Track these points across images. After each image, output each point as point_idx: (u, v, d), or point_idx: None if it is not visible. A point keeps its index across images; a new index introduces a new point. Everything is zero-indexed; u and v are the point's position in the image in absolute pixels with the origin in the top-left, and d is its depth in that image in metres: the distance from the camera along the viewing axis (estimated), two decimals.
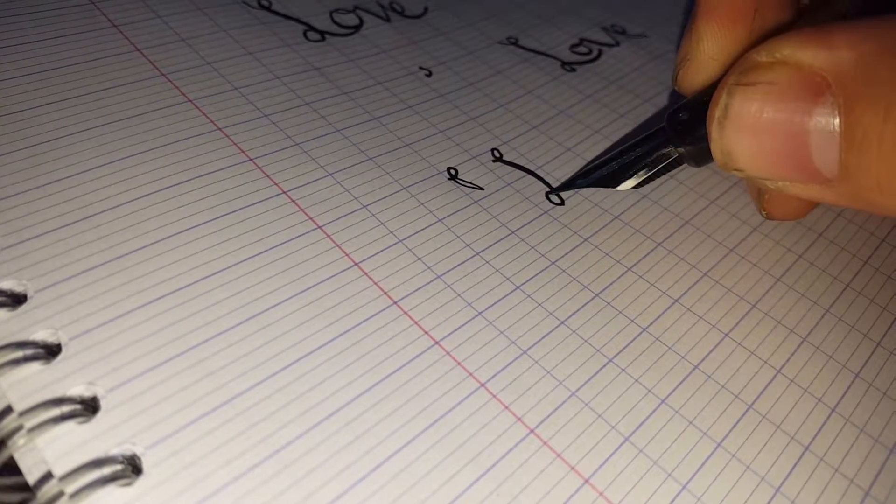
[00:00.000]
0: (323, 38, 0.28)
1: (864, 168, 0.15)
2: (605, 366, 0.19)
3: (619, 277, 0.22)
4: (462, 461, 0.16)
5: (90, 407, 0.16)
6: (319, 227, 0.21)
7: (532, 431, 0.17)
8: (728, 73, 0.18)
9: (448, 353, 0.19)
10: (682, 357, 0.20)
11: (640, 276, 0.22)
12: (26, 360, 0.16)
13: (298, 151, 0.23)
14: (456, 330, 0.19)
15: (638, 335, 0.20)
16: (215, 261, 0.19)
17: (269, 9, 0.29)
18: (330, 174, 0.22)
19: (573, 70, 0.31)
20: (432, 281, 0.20)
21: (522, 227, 0.23)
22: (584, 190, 0.24)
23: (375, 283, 0.20)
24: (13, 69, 0.22)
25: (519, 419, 0.18)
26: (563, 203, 0.24)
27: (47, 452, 0.15)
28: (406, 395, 0.17)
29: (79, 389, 0.16)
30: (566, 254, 0.22)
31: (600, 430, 0.18)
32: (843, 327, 0.22)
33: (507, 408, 0.18)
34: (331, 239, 0.20)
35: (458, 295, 0.20)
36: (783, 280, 0.23)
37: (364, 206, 0.22)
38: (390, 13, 0.31)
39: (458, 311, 0.20)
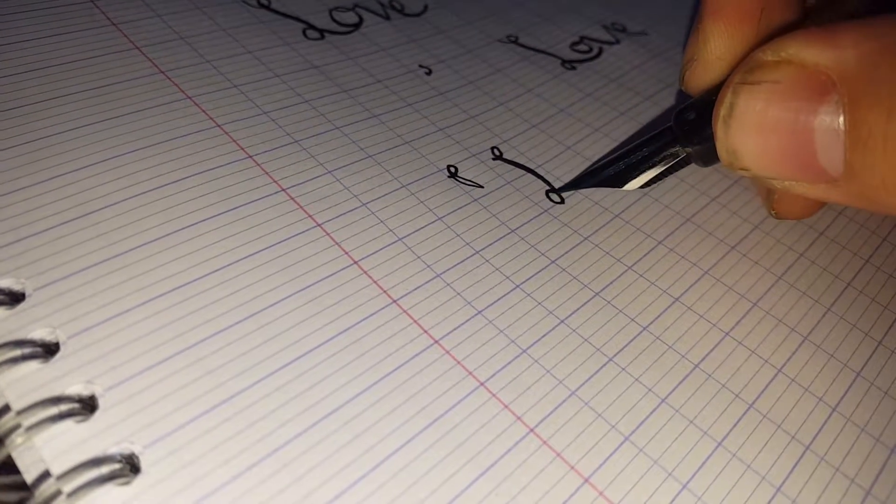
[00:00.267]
0: (322, 37, 0.28)
1: (870, 167, 0.15)
2: (605, 365, 0.19)
3: (620, 276, 0.22)
4: (461, 460, 0.16)
5: (88, 405, 0.15)
6: (319, 225, 0.21)
7: (532, 430, 0.17)
8: (734, 72, 0.18)
9: (447, 351, 0.18)
10: (683, 356, 0.20)
11: (641, 275, 0.22)
12: (24, 358, 0.16)
13: (298, 149, 0.23)
14: (455, 328, 0.19)
15: (638, 334, 0.20)
16: (214, 259, 0.19)
17: (268, 7, 0.29)
18: (329, 172, 0.22)
19: (573, 68, 0.31)
20: (432, 279, 0.20)
21: (522, 225, 0.23)
22: (584, 188, 0.24)
23: (374, 282, 0.20)
24: (11, 66, 0.22)
25: (518, 418, 0.18)
26: (562, 202, 0.24)
27: (45, 451, 0.15)
28: (405, 394, 0.17)
29: (77, 388, 0.16)
30: (566, 252, 0.22)
31: (600, 430, 0.18)
32: (845, 326, 0.22)
33: (506, 407, 0.18)
34: (330, 237, 0.20)
35: (458, 293, 0.20)
36: (784, 278, 0.23)
37: (363, 204, 0.22)
38: (390, 11, 0.31)
39: (458, 310, 0.20)
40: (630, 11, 0.35)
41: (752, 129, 0.17)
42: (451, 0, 0.33)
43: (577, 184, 0.24)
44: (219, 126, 0.23)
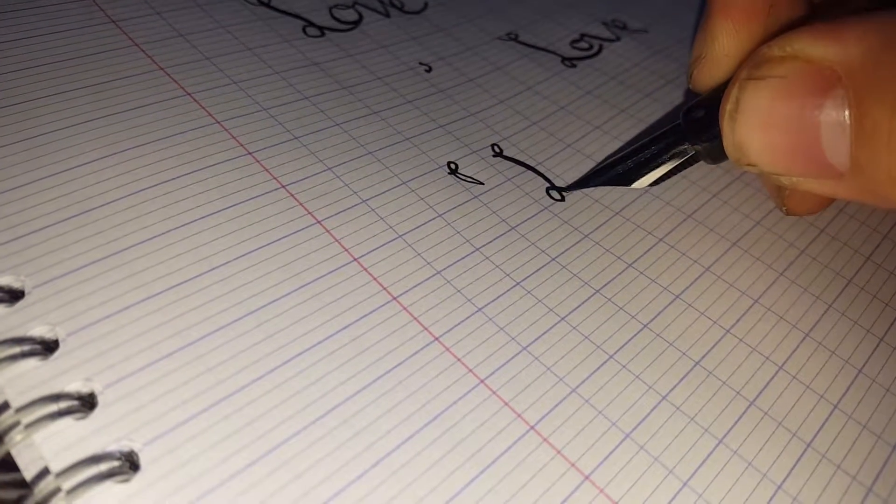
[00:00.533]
0: (322, 34, 0.28)
1: (875, 161, 0.15)
2: (605, 362, 0.19)
3: (620, 273, 0.22)
4: (461, 457, 0.16)
5: (87, 403, 0.15)
6: (319, 222, 0.21)
7: (532, 428, 0.17)
8: (740, 68, 0.18)
9: (448, 349, 0.18)
10: (684, 353, 0.20)
11: (641, 272, 0.22)
12: (24, 355, 0.16)
13: (297, 146, 0.23)
14: (456, 326, 0.19)
15: (639, 331, 0.20)
16: (213, 256, 0.19)
17: (268, 5, 0.29)
18: (329, 168, 0.22)
19: (573, 66, 0.30)
20: (432, 276, 0.20)
21: (522, 222, 0.23)
22: (592, 187, 0.24)
23: (375, 279, 0.20)
24: (10, 63, 0.22)
25: (519, 416, 0.18)
26: (563, 199, 0.24)
27: (44, 448, 0.14)
28: (405, 391, 0.17)
29: (76, 385, 0.16)
30: (567, 250, 0.22)
31: (601, 427, 0.18)
32: (846, 323, 0.22)
33: (506, 404, 0.18)
34: (330, 234, 0.20)
35: (458, 290, 0.20)
36: (785, 275, 0.23)
37: (364, 201, 0.22)
38: (390, 9, 0.31)
39: (458, 307, 0.19)
40: (630, 9, 0.35)
41: (758, 124, 0.17)
42: None
43: (584, 182, 0.24)
44: (218, 123, 0.23)
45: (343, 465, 0.16)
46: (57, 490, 0.14)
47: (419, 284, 0.20)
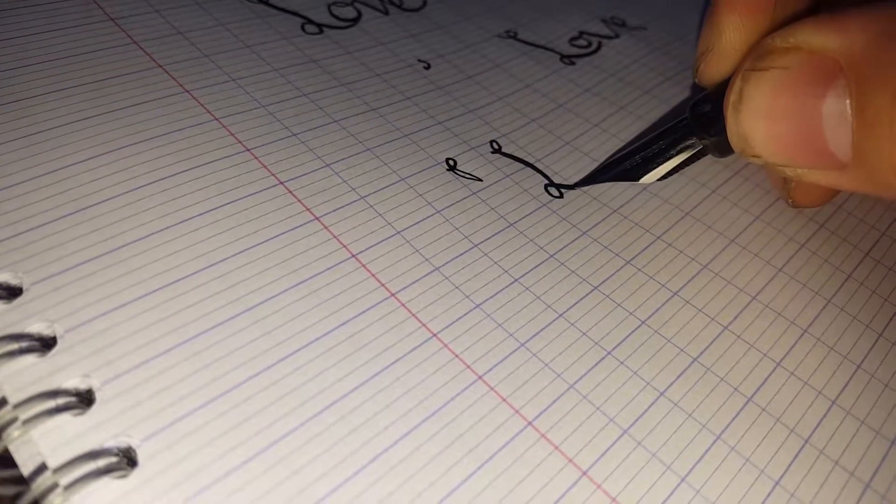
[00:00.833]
0: (321, 31, 0.28)
1: (877, 150, 0.15)
2: (603, 358, 0.19)
3: (618, 270, 0.22)
4: (459, 453, 0.16)
5: (85, 399, 0.15)
6: (317, 219, 0.21)
7: (530, 424, 0.17)
8: (744, 59, 0.18)
9: (446, 345, 0.18)
10: (681, 350, 0.20)
11: (639, 269, 0.22)
12: (21, 352, 0.16)
13: (296, 142, 0.23)
14: (454, 322, 0.19)
15: (636, 328, 0.20)
16: (211, 252, 0.19)
17: (266, 3, 0.29)
18: (327, 165, 0.22)
19: (572, 63, 0.30)
20: (430, 273, 0.20)
21: (521, 219, 0.23)
22: (600, 183, 0.24)
23: (373, 275, 0.20)
24: (8, 60, 0.22)
25: (517, 411, 0.18)
26: (561, 196, 0.24)
27: (42, 444, 0.15)
28: (403, 387, 0.17)
29: (74, 382, 0.16)
30: (565, 246, 0.22)
31: (598, 423, 0.18)
32: (845, 318, 0.22)
33: (504, 400, 0.18)
34: (328, 230, 0.20)
35: (456, 287, 0.20)
36: (784, 270, 0.23)
37: (362, 198, 0.22)
38: (389, 6, 0.31)
39: (456, 304, 0.19)
40: (629, 6, 0.35)
41: (761, 114, 0.17)
42: None
43: (592, 178, 0.24)
44: (217, 119, 0.23)
45: (341, 461, 0.16)
46: (54, 486, 0.14)
47: (417, 281, 0.20)
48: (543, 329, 0.19)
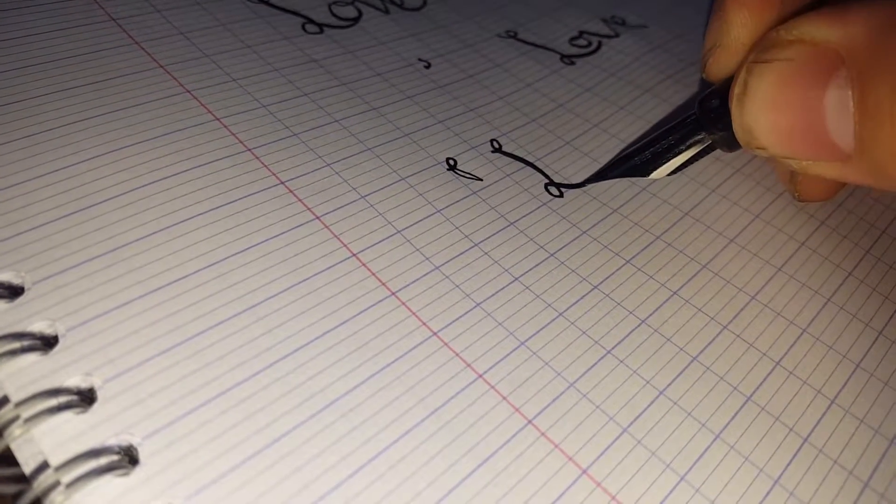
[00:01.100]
0: (321, 31, 0.28)
1: (879, 140, 0.15)
2: (603, 357, 0.19)
3: (618, 269, 0.22)
4: (459, 451, 0.16)
5: (87, 397, 0.16)
6: (317, 218, 0.21)
7: (530, 422, 0.17)
8: (749, 52, 0.18)
9: (446, 343, 0.19)
10: (681, 349, 0.20)
11: (639, 269, 0.22)
12: (23, 350, 0.16)
13: (297, 142, 0.23)
14: (454, 321, 0.19)
15: (636, 327, 0.20)
16: (213, 251, 0.19)
17: (267, 3, 0.29)
18: (328, 164, 0.22)
19: (572, 63, 0.30)
20: (430, 272, 0.20)
21: (521, 218, 0.23)
22: (610, 179, 0.24)
23: (373, 274, 0.20)
24: (10, 61, 0.22)
25: (517, 410, 0.18)
26: (561, 195, 0.24)
27: (44, 443, 0.15)
28: (403, 386, 0.17)
29: (76, 380, 0.16)
30: (565, 245, 0.22)
31: (598, 421, 0.18)
32: (845, 316, 0.22)
33: (504, 398, 0.18)
34: (329, 230, 0.20)
35: (457, 286, 0.20)
36: (784, 269, 0.23)
37: (362, 197, 0.22)
38: (389, 6, 0.31)
39: (456, 302, 0.20)
40: (629, 5, 0.35)
41: (765, 106, 0.18)
42: None
43: (601, 175, 0.24)
44: (218, 119, 0.23)
45: (342, 459, 0.16)
46: (56, 484, 0.14)
47: (418, 280, 0.20)
48: (543, 328, 0.20)
